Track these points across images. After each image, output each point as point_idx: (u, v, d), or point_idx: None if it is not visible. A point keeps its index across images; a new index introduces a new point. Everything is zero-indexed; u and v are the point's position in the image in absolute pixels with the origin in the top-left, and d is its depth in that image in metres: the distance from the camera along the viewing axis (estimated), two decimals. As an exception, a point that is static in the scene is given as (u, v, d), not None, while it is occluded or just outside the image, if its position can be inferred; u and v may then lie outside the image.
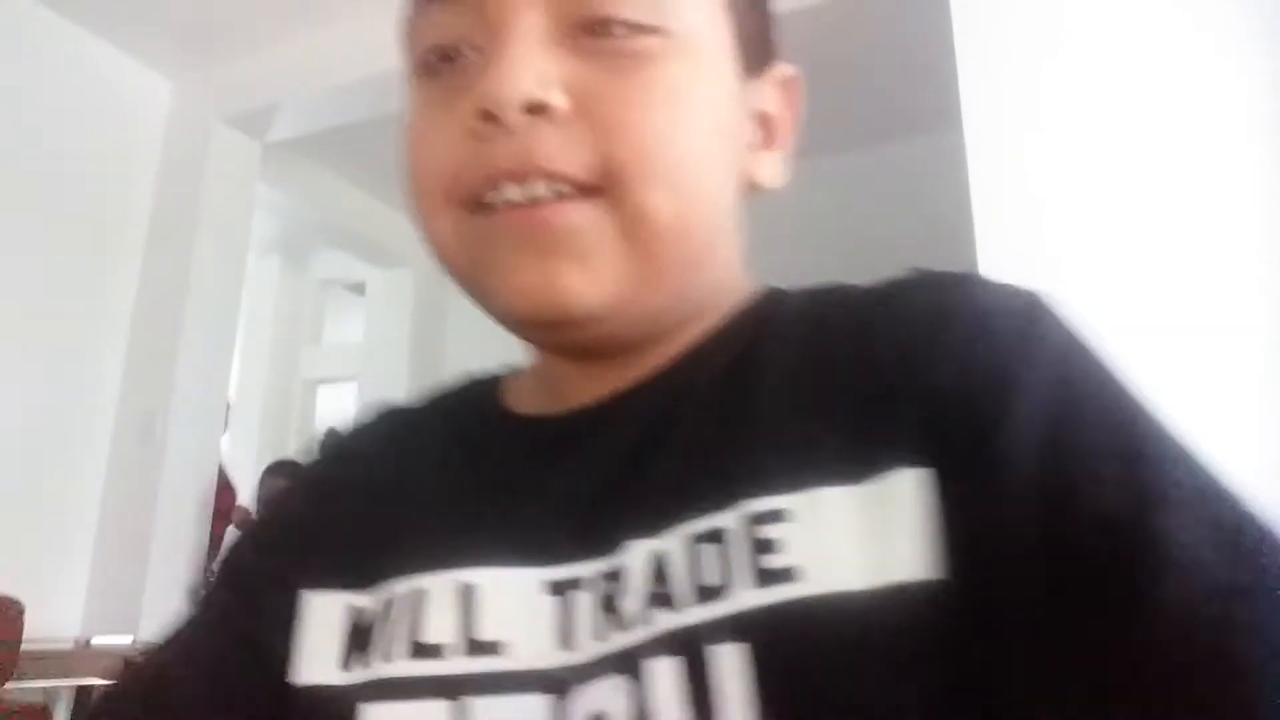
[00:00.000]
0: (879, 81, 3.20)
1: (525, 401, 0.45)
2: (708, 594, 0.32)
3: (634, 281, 0.37)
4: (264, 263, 4.76)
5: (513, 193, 0.36)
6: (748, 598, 0.31)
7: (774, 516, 0.33)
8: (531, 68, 0.35)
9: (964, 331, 0.35)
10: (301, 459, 0.50)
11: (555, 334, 0.40)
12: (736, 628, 0.31)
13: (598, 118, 0.36)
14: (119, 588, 2.84)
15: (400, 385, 4.34)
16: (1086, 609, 0.28)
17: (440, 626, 0.36)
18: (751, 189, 0.43)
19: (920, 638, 0.30)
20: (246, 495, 3.53)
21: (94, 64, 3.08)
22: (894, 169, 3.51)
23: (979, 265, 1.94)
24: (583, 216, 0.36)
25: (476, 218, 0.37)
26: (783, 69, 0.45)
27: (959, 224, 2.04)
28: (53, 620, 2.72)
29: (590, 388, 0.41)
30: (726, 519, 0.33)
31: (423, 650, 0.36)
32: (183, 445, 2.97)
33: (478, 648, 0.35)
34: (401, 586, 0.38)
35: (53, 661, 2.43)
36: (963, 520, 0.31)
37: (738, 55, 0.41)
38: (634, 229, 0.36)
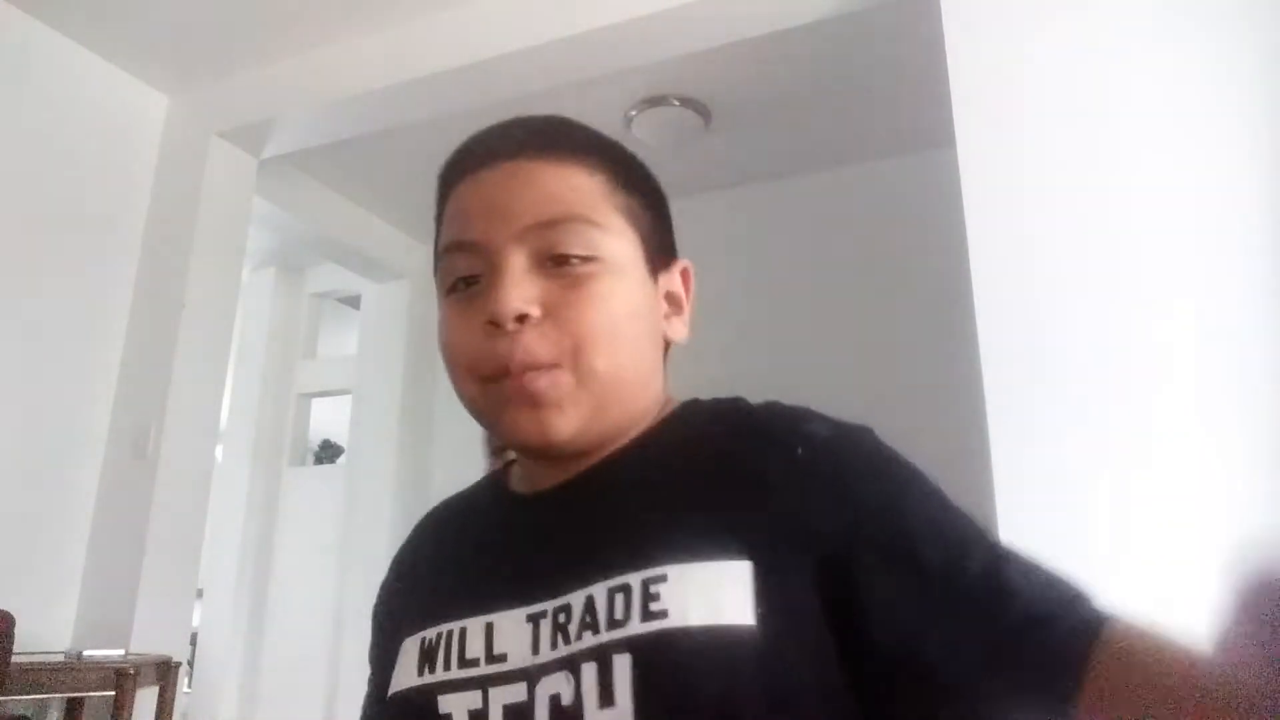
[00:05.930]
0: (873, 98, 3.23)
1: (515, 483, 0.70)
2: (615, 624, 0.53)
3: (590, 415, 0.60)
4: (259, 276, 4.77)
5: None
6: (637, 627, 0.52)
7: (659, 579, 0.53)
8: (518, 293, 0.59)
9: (807, 461, 0.57)
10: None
11: (546, 457, 0.64)
12: (629, 645, 0.52)
13: (560, 319, 0.59)
14: (111, 601, 2.82)
15: (394, 399, 4.35)
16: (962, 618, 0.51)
17: (474, 648, 0.60)
18: (668, 344, 0.68)
19: (740, 656, 0.50)
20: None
21: (91, 79, 3.10)
22: (888, 185, 3.54)
23: (972, 280, 1.96)
24: (553, 381, 0.59)
25: (491, 386, 0.61)
26: (682, 262, 0.70)
27: (952, 240, 2.05)
28: (44, 633, 2.70)
29: (553, 475, 0.65)
30: (631, 579, 0.54)
31: (466, 663, 0.59)
32: (176, 458, 2.96)
33: (493, 659, 0.58)
34: (454, 625, 0.61)
35: (43, 674, 2.41)
36: (767, 595, 0.52)
37: (647, 265, 0.65)
38: (586, 382, 0.59)
